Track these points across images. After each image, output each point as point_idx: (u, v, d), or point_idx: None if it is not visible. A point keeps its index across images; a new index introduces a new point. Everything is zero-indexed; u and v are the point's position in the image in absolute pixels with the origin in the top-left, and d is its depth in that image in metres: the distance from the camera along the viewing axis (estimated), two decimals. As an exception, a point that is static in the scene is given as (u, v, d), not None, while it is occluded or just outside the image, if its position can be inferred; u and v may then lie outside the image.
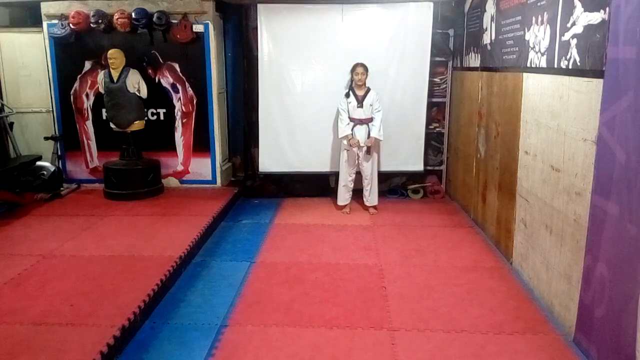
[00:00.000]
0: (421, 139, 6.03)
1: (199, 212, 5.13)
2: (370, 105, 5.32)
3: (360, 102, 5.31)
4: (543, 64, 3.43)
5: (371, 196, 5.58)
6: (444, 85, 6.23)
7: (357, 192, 5.81)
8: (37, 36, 6.05)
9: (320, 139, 5.97)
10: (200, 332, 3.11)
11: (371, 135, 5.30)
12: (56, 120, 6.16)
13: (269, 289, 3.70)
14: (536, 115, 3.61)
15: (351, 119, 5.33)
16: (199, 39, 5.83)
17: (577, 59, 2.93)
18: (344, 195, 5.61)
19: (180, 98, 6.04)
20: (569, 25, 3.02)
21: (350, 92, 5.35)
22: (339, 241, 4.70)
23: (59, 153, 6.17)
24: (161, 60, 5.96)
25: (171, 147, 6.16)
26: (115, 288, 3.43)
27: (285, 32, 5.87)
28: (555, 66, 3.22)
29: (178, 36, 5.75)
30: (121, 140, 5.79)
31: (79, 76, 6.03)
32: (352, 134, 5.32)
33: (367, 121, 5.33)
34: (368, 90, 5.36)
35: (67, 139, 6.19)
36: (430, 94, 6.01)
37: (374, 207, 5.61)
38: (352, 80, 5.39)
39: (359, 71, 5.28)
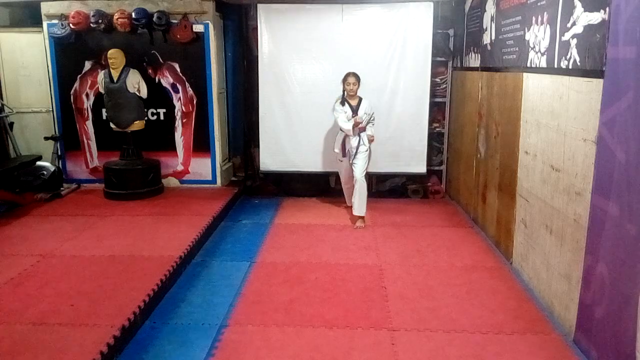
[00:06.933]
0: (424, 139, 6.00)
1: (199, 212, 5.13)
2: (365, 114, 5.06)
3: (354, 112, 5.08)
4: (543, 64, 3.43)
5: (357, 204, 5.15)
6: (444, 85, 6.24)
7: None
8: (37, 36, 6.06)
9: (320, 139, 5.97)
10: (200, 332, 3.11)
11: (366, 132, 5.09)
12: (56, 120, 6.17)
13: (269, 289, 3.70)
14: (536, 115, 3.61)
15: (342, 130, 5.13)
16: (199, 39, 5.83)
17: (577, 59, 2.93)
18: (348, 197, 5.52)
19: (180, 98, 6.04)
20: (569, 25, 3.02)
21: (345, 102, 5.09)
22: (339, 241, 4.70)
23: (59, 153, 6.17)
24: (161, 60, 5.96)
25: (171, 147, 6.16)
26: (115, 288, 3.43)
27: (285, 32, 5.88)
28: (555, 66, 3.22)
29: (178, 36, 5.75)
30: (121, 140, 5.79)
31: (79, 76, 6.03)
32: (354, 118, 5.04)
33: (360, 131, 5.08)
34: (360, 99, 5.12)
35: (67, 139, 6.19)
36: (431, 94, 6.01)
37: (361, 218, 5.17)
38: (344, 90, 5.09)
39: (350, 81, 5.00)
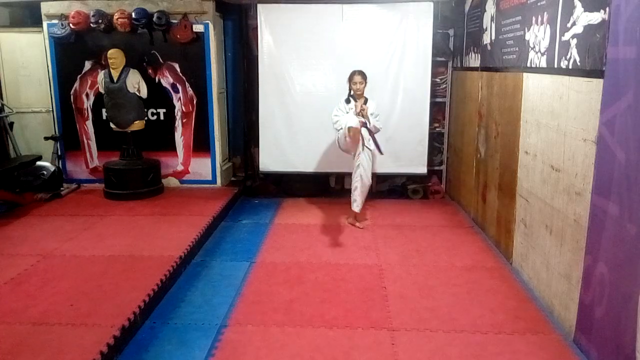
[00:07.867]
0: (424, 139, 5.98)
1: (199, 212, 5.13)
2: (371, 114, 4.81)
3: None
4: (543, 64, 3.43)
5: (359, 200, 4.97)
6: (444, 85, 6.24)
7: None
8: (37, 36, 6.06)
9: (321, 139, 5.96)
10: (200, 332, 3.11)
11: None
12: (56, 120, 6.17)
13: (269, 289, 3.70)
14: (536, 115, 3.61)
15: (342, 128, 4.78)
16: (199, 39, 5.84)
17: (577, 59, 2.93)
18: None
19: (180, 98, 6.04)
20: (569, 25, 3.02)
21: (351, 99, 4.86)
22: (339, 241, 4.70)
23: (59, 153, 6.17)
24: (161, 60, 5.96)
25: (171, 147, 6.16)
26: (115, 288, 3.43)
27: (285, 32, 5.88)
28: (555, 66, 3.22)
29: (178, 36, 5.75)
30: (121, 140, 5.79)
31: (79, 76, 6.03)
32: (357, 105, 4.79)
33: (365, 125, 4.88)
34: (366, 100, 4.86)
35: (67, 139, 6.19)
36: (431, 94, 6.00)
37: (356, 217, 5.07)
38: (350, 89, 4.89)
39: (356, 80, 4.78)
